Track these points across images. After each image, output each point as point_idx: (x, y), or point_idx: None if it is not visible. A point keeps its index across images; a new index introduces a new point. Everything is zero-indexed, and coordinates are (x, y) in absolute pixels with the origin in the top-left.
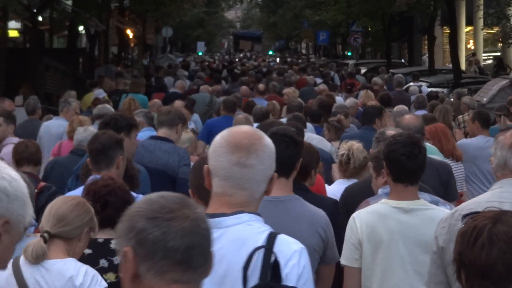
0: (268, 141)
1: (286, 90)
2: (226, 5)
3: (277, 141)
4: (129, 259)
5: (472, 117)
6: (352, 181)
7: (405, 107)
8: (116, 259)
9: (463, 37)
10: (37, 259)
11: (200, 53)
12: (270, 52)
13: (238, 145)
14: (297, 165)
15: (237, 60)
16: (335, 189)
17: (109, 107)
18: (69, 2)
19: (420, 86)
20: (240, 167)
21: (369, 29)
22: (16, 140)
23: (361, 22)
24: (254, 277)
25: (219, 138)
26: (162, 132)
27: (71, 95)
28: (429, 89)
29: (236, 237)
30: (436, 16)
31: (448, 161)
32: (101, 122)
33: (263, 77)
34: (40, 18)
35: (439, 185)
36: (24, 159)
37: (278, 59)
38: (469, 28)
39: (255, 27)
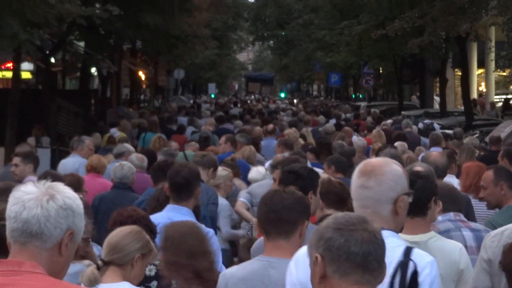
0: (390, 168)
1: (287, 131)
2: (238, 47)
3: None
4: (319, 262)
5: (501, 154)
6: None
7: (405, 144)
8: (153, 284)
9: (474, 80)
10: (90, 283)
11: (212, 96)
12: (282, 95)
13: (363, 171)
14: None
15: (248, 101)
16: None
17: (127, 146)
18: (82, 44)
19: (432, 123)
20: (362, 189)
21: (381, 71)
22: (35, 178)
23: (373, 64)
24: (396, 285)
25: (357, 168)
26: None
27: (96, 137)
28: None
29: None
30: (447, 59)
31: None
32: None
33: (270, 118)
34: (52, 60)
35: None
36: None
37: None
38: (480, 71)
39: (267, 69)
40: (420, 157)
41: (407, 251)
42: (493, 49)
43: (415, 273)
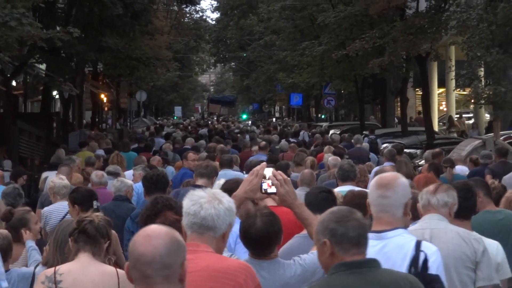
0: (401, 180)
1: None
2: (199, 69)
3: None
4: (327, 245)
5: (427, 168)
6: None
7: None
8: None
9: (435, 99)
10: None
11: (175, 118)
12: (244, 116)
13: (380, 184)
14: None
15: (209, 122)
16: None
17: (120, 168)
18: (43, 67)
19: (375, 138)
20: (382, 198)
21: (342, 91)
22: None
23: (334, 85)
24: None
25: (373, 181)
26: (202, 181)
27: (61, 153)
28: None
29: (396, 244)
30: (408, 78)
31: None
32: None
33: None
34: (13, 83)
35: None
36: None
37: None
38: (441, 90)
39: (228, 90)
40: (373, 172)
41: (418, 243)
42: (453, 68)
43: (425, 261)
